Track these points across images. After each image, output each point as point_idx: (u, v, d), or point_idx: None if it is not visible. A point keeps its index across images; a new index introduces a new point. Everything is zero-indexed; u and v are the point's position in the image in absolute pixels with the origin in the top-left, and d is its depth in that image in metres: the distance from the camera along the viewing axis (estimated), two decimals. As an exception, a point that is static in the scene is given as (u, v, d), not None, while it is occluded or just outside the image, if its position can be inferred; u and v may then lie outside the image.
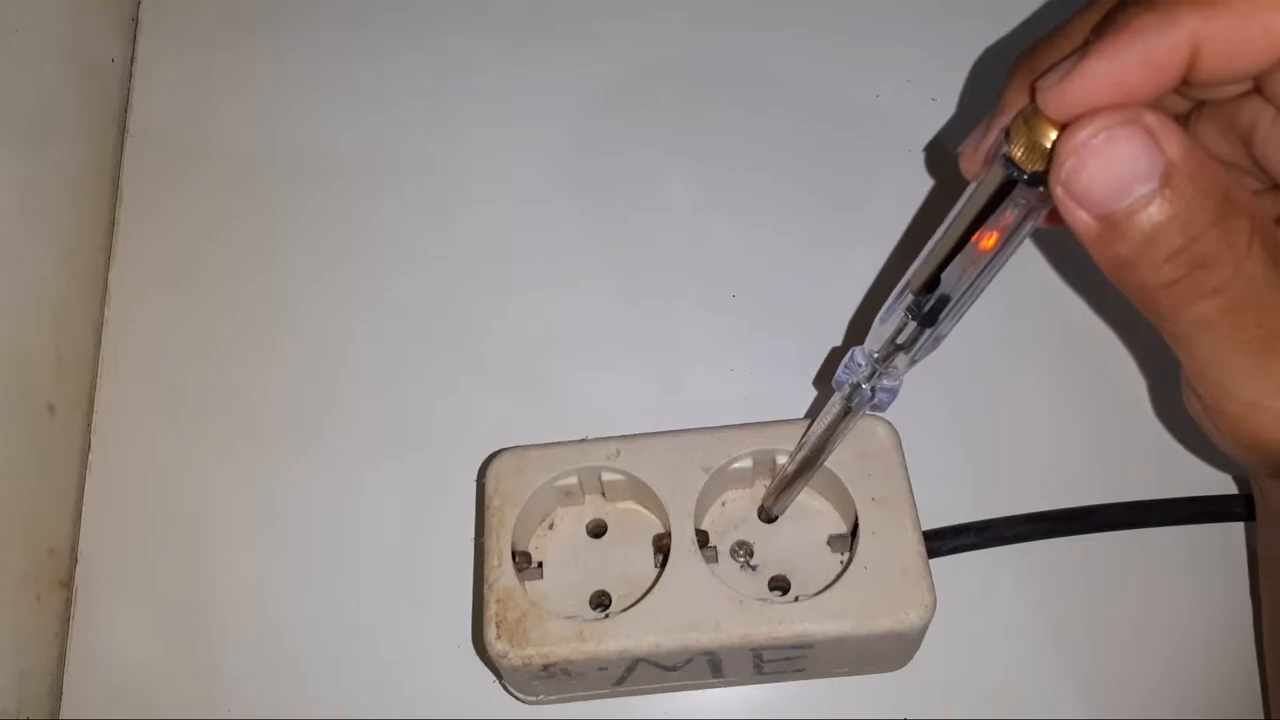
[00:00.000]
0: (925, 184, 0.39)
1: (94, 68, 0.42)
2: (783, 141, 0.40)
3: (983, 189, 0.21)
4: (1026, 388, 0.36)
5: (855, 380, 0.25)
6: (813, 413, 0.31)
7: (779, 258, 0.38)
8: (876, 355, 0.24)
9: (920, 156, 0.39)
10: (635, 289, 0.38)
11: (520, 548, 0.30)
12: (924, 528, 0.29)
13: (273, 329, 0.38)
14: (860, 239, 0.38)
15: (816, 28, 0.42)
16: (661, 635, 0.27)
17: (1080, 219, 0.20)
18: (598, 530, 0.31)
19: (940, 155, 0.39)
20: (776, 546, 0.31)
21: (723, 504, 0.31)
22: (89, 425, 0.37)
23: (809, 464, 0.28)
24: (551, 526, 0.31)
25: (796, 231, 0.39)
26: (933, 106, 0.40)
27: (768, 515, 0.31)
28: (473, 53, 0.43)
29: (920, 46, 0.42)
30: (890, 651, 0.30)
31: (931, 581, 0.28)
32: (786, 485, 0.29)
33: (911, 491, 0.29)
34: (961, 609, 0.30)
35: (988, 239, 0.21)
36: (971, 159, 0.26)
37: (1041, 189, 0.20)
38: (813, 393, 0.36)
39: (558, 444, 0.31)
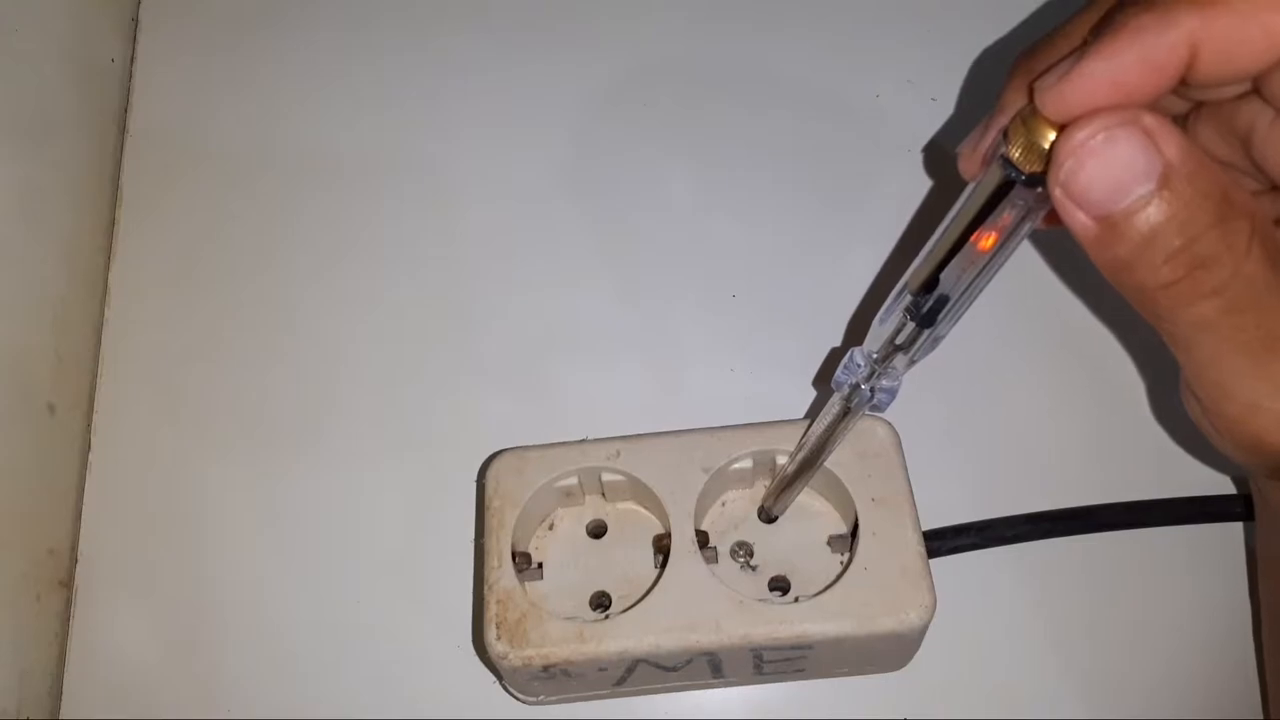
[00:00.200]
0: (925, 184, 0.39)
1: (94, 68, 0.42)
2: (783, 141, 0.40)
3: (981, 189, 0.21)
4: (1026, 388, 0.36)
5: (854, 381, 0.25)
6: (813, 413, 0.31)
7: (779, 258, 0.38)
8: (875, 356, 0.24)
9: (920, 156, 0.39)
10: (635, 289, 0.38)
11: (520, 548, 0.30)
12: (924, 528, 0.29)
13: (273, 329, 0.38)
14: (860, 239, 0.38)
15: (816, 28, 0.42)
16: (661, 636, 0.27)
17: (1078, 220, 0.20)
18: (598, 531, 0.31)
19: (940, 155, 0.39)
20: (776, 547, 0.31)
21: (723, 504, 0.31)
22: (89, 425, 0.37)
23: (809, 464, 0.28)
24: (551, 527, 0.31)
25: (796, 231, 0.39)
26: (932, 106, 0.40)
27: (768, 516, 0.31)
28: (473, 53, 0.43)
29: (920, 46, 0.42)
30: (890, 652, 0.30)
31: (931, 582, 0.28)
32: (786, 485, 0.29)
33: (911, 492, 0.29)
34: (961, 609, 0.30)
35: (986, 239, 0.21)
36: (970, 159, 0.26)
37: (1040, 190, 0.20)
38: (813, 393, 0.36)
39: (558, 444, 0.31)
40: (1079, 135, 0.19)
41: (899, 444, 0.30)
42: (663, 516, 0.30)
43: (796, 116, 0.41)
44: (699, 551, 0.29)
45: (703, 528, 0.30)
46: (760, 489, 0.31)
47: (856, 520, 0.29)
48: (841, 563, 0.30)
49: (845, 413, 0.26)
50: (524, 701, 0.31)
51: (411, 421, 0.36)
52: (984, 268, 0.22)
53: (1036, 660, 0.32)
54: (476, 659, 0.33)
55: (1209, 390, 0.22)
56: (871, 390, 0.25)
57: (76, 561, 0.35)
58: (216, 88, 0.43)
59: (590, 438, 0.31)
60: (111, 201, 0.41)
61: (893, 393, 0.25)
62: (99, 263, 0.40)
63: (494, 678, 0.32)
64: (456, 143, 0.41)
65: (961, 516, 0.32)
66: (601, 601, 0.30)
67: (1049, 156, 0.20)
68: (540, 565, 0.30)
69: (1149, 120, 0.19)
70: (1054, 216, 0.20)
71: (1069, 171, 0.19)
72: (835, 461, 0.29)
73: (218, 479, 0.36)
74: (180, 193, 0.41)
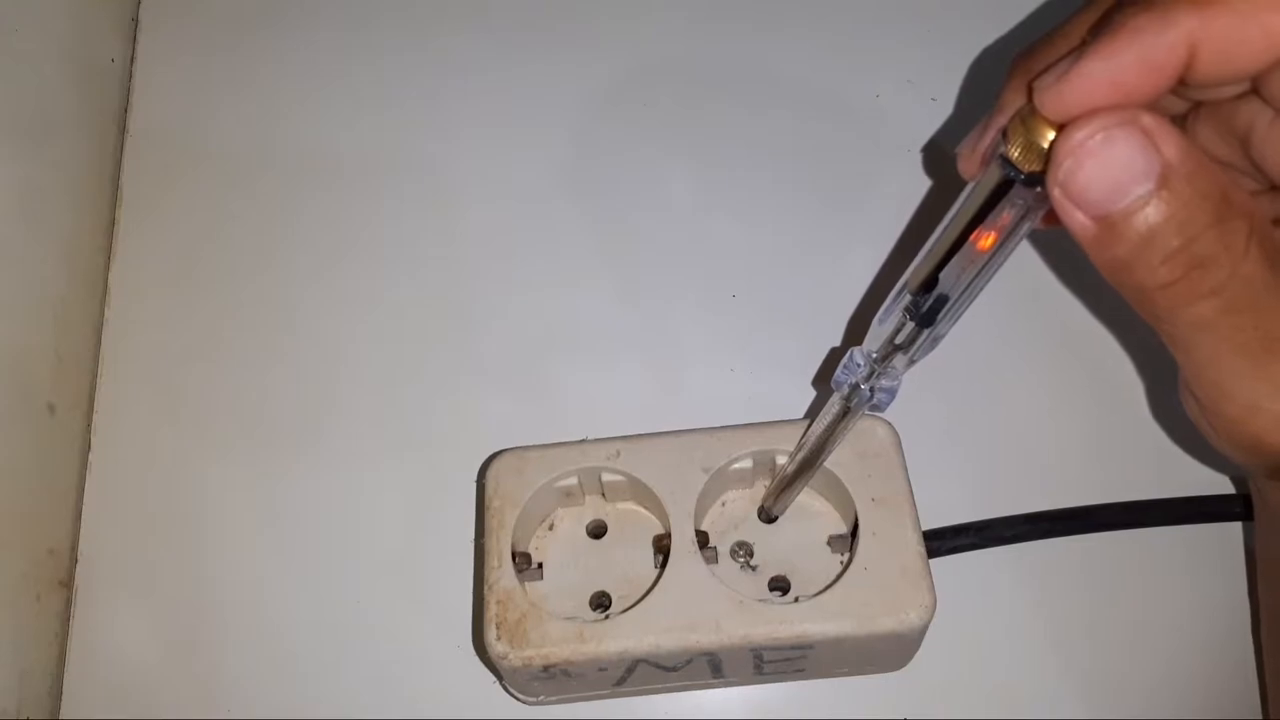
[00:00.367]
0: (925, 184, 0.39)
1: (94, 68, 0.42)
2: (783, 141, 0.40)
3: (980, 189, 0.21)
4: (1026, 388, 0.36)
5: (854, 380, 0.25)
6: (812, 413, 0.31)
7: (779, 258, 0.38)
8: (875, 355, 0.24)
9: (919, 156, 0.39)
10: (635, 289, 0.38)
11: (520, 549, 0.30)
12: (924, 528, 0.29)
13: (273, 329, 0.38)
14: (860, 239, 0.38)
15: (816, 28, 0.42)
16: (661, 636, 0.27)
17: (1077, 220, 0.20)
18: (598, 531, 0.31)
19: (939, 155, 0.39)
20: (776, 547, 0.31)
21: (723, 504, 0.31)
22: (89, 425, 0.37)
23: (809, 464, 0.28)
24: (551, 527, 0.31)
25: (796, 231, 0.39)
26: (932, 106, 0.40)
27: (768, 516, 0.31)
28: (473, 53, 0.43)
29: (920, 46, 0.42)
30: (890, 652, 0.30)
31: (931, 582, 0.28)
32: (786, 485, 0.29)
33: (911, 492, 0.29)
34: (961, 609, 0.30)
35: (985, 239, 0.21)
36: (969, 159, 0.26)
37: (1039, 189, 0.20)
38: (812, 393, 0.36)
39: (558, 445, 0.31)
40: (1078, 135, 0.19)
41: (899, 444, 0.30)
42: (663, 516, 0.30)
43: (796, 116, 0.41)
44: (699, 551, 0.29)
45: (703, 528, 0.30)
46: (760, 489, 0.31)
47: (856, 520, 0.29)
48: (841, 563, 0.30)
49: (845, 413, 0.26)
50: (524, 702, 0.31)
51: (411, 421, 0.36)
52: (983, 267, 0.22)
53: (1036, 660, 0.32)
54: (476, 659, 0.33)
55: (1208, 391, 0.22)
56: (871, 390, 0.25)
57: (76, 561, 0.35)
58: (216, 88, 0.43)
59: (590, 438, 0.31)
60: (111, 201, 0.41)
61: (892, 392, 0.25)
62: (99, 263, 0.40)
63: (494, 678, 0.32)
64: (456, 143, 0.41)
65: (961, 516, 0.32)
66: (601, 601, 0.30)
67: (1048, 156, 0.20)
68: (540, 565, 0.30)
69: (1148, 120, 0.19)
70: (1053, 216, 0.20)
71: (1068, 171, 0.19)
72: (835, 461, 0.29)
73: (218, 479, 0.36)
74: (180, 193, 0.41)
